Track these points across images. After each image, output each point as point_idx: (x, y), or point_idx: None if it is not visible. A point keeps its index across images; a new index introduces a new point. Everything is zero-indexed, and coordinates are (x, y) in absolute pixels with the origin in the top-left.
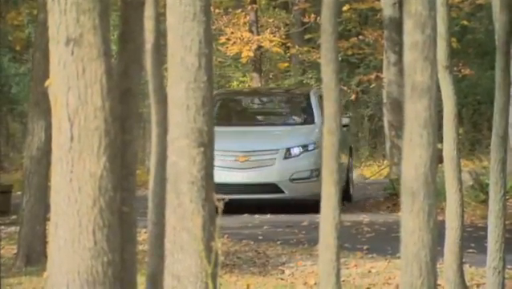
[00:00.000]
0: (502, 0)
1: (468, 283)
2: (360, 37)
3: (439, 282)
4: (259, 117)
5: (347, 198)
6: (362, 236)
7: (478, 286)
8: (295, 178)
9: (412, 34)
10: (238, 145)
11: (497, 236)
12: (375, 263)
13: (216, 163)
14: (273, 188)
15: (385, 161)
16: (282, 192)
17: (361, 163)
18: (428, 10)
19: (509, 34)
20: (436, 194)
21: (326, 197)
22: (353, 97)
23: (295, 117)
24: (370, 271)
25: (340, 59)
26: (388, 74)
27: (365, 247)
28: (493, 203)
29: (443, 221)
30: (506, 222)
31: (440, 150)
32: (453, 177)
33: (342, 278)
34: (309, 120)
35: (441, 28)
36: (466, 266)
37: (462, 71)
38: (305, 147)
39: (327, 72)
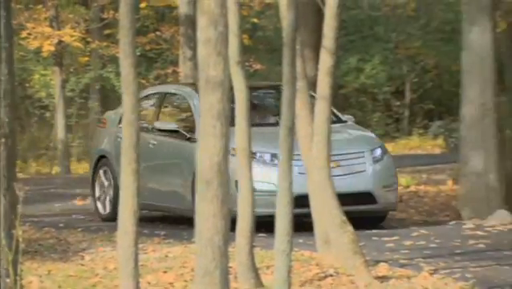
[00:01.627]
0: None
1: (258, 265)
2: (158, 33)
3: (231, 264)
4: None
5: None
6: (160, 222)
7: (268, 267)
8: (386, 185)
9: (205, 31)
10: None
11: (285, 221)
12: (172, 248)
13: (299, 170)
14: (366, 198)
15: None
16: (375, 202)
17: None
18: (220, 8)
19: (295, 31)
20: (229, 182)
21: (125, 186)
22: None
23: None
24: (167, 256)
25: (138, 53)
26: (184, 68)
27: (162, 233)
28: (282, 190)
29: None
30: None
31: None
32: (245, 166)
33: (140, 263)
34: (337, 117)
35: (233, 25)
36: (257, 249)
37: (253, 66)
38: (382, 148)
39: (126, 66)
